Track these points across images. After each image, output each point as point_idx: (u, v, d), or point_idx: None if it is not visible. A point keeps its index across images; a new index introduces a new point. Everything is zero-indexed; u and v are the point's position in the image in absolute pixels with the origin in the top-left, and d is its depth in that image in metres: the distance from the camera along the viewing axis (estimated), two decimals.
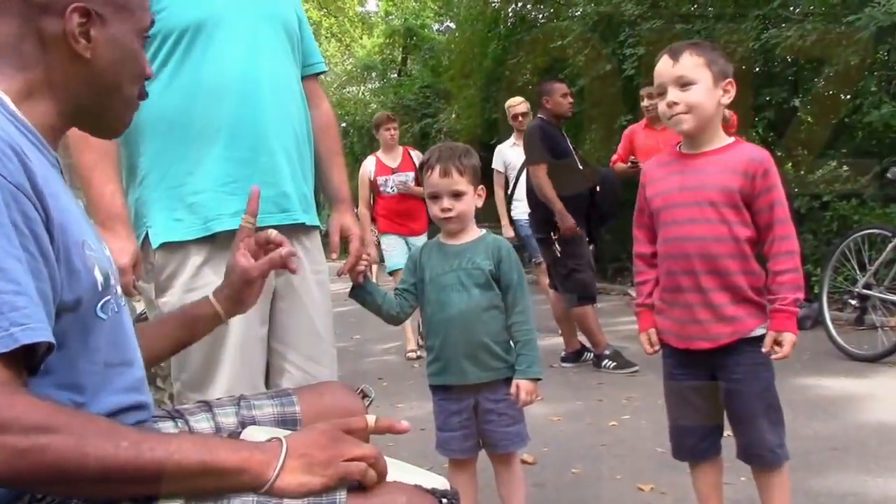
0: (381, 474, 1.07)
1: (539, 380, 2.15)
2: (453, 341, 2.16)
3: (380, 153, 6.28)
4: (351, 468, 1.03)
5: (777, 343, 1.91)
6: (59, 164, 1.15)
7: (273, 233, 1.54)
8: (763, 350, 1.92)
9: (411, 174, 6.06)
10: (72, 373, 1.06)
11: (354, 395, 1.52)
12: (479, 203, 2.21)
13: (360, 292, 2.20)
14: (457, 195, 2.14)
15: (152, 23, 1.26)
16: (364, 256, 2.12)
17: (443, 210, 2.15)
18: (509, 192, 6.26)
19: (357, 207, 5.90)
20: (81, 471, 0.92)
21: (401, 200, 6.07)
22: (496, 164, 6.31)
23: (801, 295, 1.94)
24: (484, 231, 2.24)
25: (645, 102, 5.67)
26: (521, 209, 5.89)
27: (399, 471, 1.13)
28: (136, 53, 1.22)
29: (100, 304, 1.10)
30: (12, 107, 1.08)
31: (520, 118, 6.17)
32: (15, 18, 1.10)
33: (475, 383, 2.17)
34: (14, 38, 1.10)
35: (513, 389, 2.13)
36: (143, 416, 1.21)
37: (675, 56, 1.96)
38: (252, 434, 1.19)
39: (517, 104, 6.29)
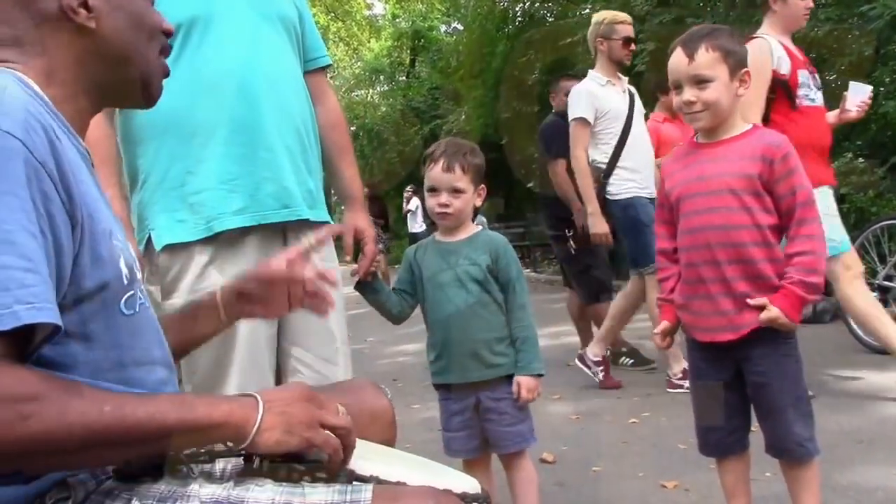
0: (348, 449, 1.08)
1: (541, 375, 2.14)
2: (454, 339, 2.14)
3: (769, 33, 3.53)
4: (330, 440, 1.05)
5: (771, 319, 1.85)
6: (89, 157, 1.12)
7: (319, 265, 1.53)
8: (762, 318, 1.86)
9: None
10: (94, 368, 1.03)
11: (380, 393, 1.48)
12: (479, 202, 2.18)
13: (367, 287, 2.17)
14: (456, 192, 2.11)
15: None
16: (377, 260, 2.09)
17: (440, 205, 2.13)
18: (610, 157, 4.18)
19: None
20: (67, 438, 0.90)
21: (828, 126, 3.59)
22: (584, 111, 4.23)
23: (813, 279, 1.87)
24: (479, 228, 2.22)
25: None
26: (623, 182, 4.15)
27: (429, 473, 1.09)
28: (143, 10, 1.17)
29: (125, 299, 1.07)
30: (45, 95, 1.05)
31: (633, 47, 4.35)
32: (12, 10, 1.07)
33: (476, 381, 2.14)
34: (17, 29, 1.07)
35: (514, 387, 2.12)
36: None
37: (689, 52, 1.91)
38: None
39: (629, 22, 4.36)
